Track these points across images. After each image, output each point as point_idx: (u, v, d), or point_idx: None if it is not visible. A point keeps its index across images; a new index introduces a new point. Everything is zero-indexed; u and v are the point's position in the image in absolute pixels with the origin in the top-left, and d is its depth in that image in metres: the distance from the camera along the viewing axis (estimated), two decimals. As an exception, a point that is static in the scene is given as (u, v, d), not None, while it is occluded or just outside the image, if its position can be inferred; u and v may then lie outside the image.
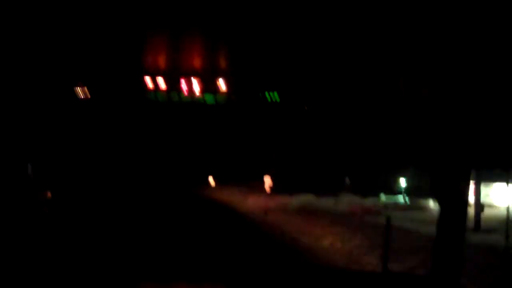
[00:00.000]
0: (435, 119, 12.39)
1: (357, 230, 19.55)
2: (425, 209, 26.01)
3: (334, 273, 14.42)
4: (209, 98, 36.54)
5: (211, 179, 36.79)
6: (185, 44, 36.64)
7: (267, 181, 32.51)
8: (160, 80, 36.38)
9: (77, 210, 25.02)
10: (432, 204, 24.02)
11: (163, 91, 36.61)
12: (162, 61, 36.69)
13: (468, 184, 12.22)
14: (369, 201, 28.49)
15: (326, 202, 28.09)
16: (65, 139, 33.97)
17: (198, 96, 36.59)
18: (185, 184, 34.97)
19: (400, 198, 29.33)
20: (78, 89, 35.28)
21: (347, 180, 32.81)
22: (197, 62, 35.99)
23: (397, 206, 27.73)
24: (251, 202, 29.30)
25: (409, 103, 13.98)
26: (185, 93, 36.42)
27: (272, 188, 32.09)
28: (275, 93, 36.77)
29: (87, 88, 35.57)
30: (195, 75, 36.29)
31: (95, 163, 34.16)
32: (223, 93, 36.41)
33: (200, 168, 36.24)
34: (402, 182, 30.26)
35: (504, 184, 24.36)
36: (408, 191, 30.55)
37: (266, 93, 36.91)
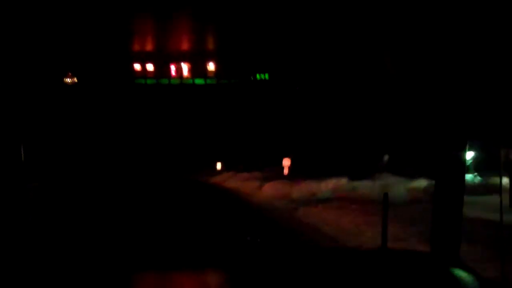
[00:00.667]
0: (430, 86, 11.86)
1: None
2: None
3: (330, 250, 13.41)
4: (200, 82, 35.33)
5: (218, 164, 32.33)
6: (173, 27, 35.07)
7: (287, 164, 26.89)
8: (149, 66, 34.88)
9: (67, 197, 22.10)
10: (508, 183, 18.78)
11: (152, 76, 35.18)
12: (150, 46, 35.03)
13: (464, 155, 11.76)
14: (420, 184, 22.12)
15: (367, 187, 22.06)
16: (56, 126, 31.87)
17: (188, 80, 35.34)
18: (188, 171, 30.93)
19: (469, 178, 21.90)
20: (68, 79, 33.52)
21: (385, 158, 26.73)
22: (186, 46, 34.53)
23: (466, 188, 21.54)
24: (268, 190, 23.69)
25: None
26: (176, 78, 35.09)
27: (293, 172, 26.42)
28: (266, 75, 35.89)
29: (76, 77, 33.77)
30: (185, 59, 34.92)
31: (87, 150, 32.19)
32: (213, 76, 35.22)
33: (205, 152, 32.35)
34: (469, 156, 21.94)
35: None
36: (477, 168, 23.26)
37: (258, 75, 35.98)
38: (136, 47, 33.63)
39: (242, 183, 26.90)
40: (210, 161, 32.17)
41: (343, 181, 23.73)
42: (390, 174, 24.59)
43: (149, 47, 33.70)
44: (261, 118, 32.05)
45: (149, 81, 34.19)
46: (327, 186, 23.15)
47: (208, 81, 34.27)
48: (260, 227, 16.73)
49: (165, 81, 34.33)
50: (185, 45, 33.44)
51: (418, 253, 11.84)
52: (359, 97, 26.91)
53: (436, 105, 11.06)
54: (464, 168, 11.41)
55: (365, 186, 22.47)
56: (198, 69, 34.31)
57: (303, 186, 23.35)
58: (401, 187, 22.08)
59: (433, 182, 19.59)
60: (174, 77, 34.44)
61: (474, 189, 20.67)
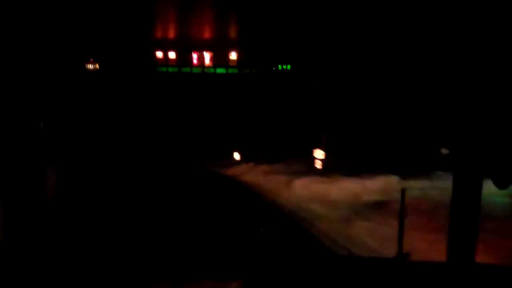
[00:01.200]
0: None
1: None
2: None
3: (340, 259, 11.63)
4: (222, 71, 34.45)
5: (236, 154, 28.09)
6: (196, 15, 34.28)
7: (319, 156, 21.38)
8: (171, 54, 34.09)
9: (82, 186, 19.56)
10: None
11: (174, 65, 34.40)
12: (172, 33, 34.23)
13: (482, 156, 10.86)
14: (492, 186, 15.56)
15: (435, 190, 16.57)
16: (76, 111, 30.86)
17: (210, 69, 34.47)
18: (203, 160, 27.35)
19: None
20: (90, 65, 32.85)
21: (444, 152, 20.54)
22: (208, 34, 33.70)
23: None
24: (300, 188, 18.79)
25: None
26: (197, 66, 34.26)
27: (326, 167, 21.02)
28: (288, 66, 34.88)
29: (98, 64, 33.09)
30: (207, 48, 34.03)
31: (105, 136, 31.05)
32: (235, 66, 34.31)
33: (223, 142, 29.13)
34: None
35: None
36: None
37: (280, 66, 35.02)
38: (159, 34, 32.76)
39: (263, 177, 22.75)
40: (227, 151, 28.58)
41: (394, 179, 18.72)
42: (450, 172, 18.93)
43: (171, 34, 32.79)
44: (284, 108, 29.42)
45: (170, 69, 33.47)
46: (374, 185, 18.24)
47: (230, 70, 33.44)
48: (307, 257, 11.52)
49: (186, 69, 33.55)
50: (207, 34, 32.44)
51: (435, 264, 10.79)
52: (406, 81, 22.64)
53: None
54: (480, 170, 10.48)
55: (427, 187, 17.33)
56: (220, 58, 33.44)
57: (343, 184, 18.48)
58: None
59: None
60: (195, 66, 33.66)
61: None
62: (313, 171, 21.31)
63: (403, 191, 11.46)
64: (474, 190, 9.71)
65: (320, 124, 22.57)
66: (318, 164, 21.69)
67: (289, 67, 32.95)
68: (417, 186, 17.30)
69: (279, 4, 29.35)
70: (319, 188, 18.51)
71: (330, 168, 21.02)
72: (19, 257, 11.33)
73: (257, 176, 23.71)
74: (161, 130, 31.61)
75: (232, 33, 32.44)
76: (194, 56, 33.04)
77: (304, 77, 31.73)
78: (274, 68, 33.05)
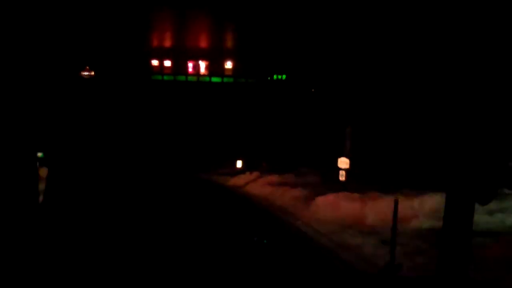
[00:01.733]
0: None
1: None
2: None
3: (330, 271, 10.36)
4: (217, 80, 33.92)
5: (238, 163, 24.70)
6: (192, 24, 33.67)
7: (344, 166, 16.16)
8: (167, 63, 33.35)
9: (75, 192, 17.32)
10: None
11: (169, 73, 33.67)
12: (168, 42, 33.54)
13: (473, 174, 10.77)
14: None
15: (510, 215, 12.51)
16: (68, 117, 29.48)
17: (205, 77, 33.86)
18: (201, 169, 25.11)
19: None
20: (85, 73, 31.80)
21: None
22: (204, 44, 33.15)
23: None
24: (324, 208, 14.29)
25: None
26: (193, 75, 33.64)
27: (351, 179, 16.25)
28: (283, 76, 34.68)
29: (94, 72, 32.07)
30: (203, 57, 33.43)
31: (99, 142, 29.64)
32: (231, 75, 33.83)
33: (224, 149, 27.00)
34: None
35: None
36: None
37: (275, 76, 34.77)
38: (154, 43, 32.00)
39: (272, 189, 18.98)
40: (229, 159, 25.76)
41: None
42: None
43: (167, 43, 32.12)
44: (288, 115, 28.10)
45: (166, 77, 32.74)
46: (422, 206, 13.49)
47: (225, 79, 32.92)
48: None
49: (182, 78, 32.85)
50: (203, 43, 31.71)
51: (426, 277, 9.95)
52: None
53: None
54: (473, 189, 10.34)
55: (494, 211, 12.80)
56: (215, 67, 32.85)
57: (381, 203, 13.58)
58: None
59: None
60: (191, 74, 33.02)
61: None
62: (336, 184, 16.53)
63: (396, 202, 9.87)
64: (467, 200, 9.00)
65: (340, 130, 18.25)
66: (342, 176, 16.65)
67: (284, 77, 32.74)
68: (483, 208, 12.17)
69: (274, 15, 28.91)
70: (350, 209, 13.88)
71: (357, 181, 16.45)
72: (12, 256, 10.86)
73: (264, 188, 19.90)
74: (157, 137, 30.78)
75: (228, 43, 31.94)
76: (190, 65, 32.44)
77: (300, 86, 31.54)
78: (269, 78, 32.77)
